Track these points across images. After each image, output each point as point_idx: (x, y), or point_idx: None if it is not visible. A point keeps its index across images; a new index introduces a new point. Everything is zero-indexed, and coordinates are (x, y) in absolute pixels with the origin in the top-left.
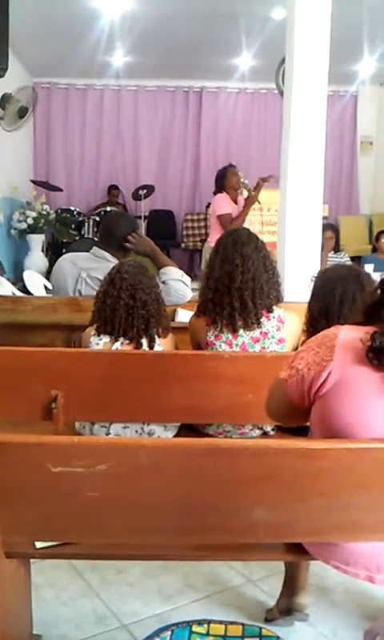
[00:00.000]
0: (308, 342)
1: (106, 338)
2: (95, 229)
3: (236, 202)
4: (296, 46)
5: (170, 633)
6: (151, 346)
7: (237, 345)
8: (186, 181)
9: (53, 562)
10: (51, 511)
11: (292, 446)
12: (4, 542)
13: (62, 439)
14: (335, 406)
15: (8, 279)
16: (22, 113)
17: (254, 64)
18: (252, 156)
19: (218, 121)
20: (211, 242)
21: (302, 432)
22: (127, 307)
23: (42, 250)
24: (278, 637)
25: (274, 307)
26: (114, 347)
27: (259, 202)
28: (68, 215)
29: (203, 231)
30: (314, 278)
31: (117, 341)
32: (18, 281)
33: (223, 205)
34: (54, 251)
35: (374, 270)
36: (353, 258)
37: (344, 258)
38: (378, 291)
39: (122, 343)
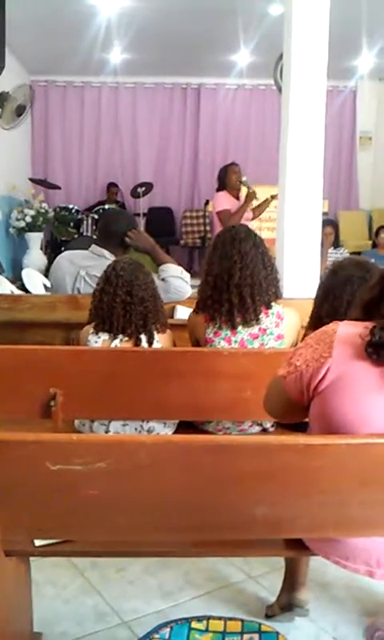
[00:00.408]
0: (306, 338)
1: (104, 336)
2: (94, 227)
3: (238, 199)
4: (294, 42)
5: (169, 629)
6: (150, 342)
7: (236, 341)
8: (184, 178)
9: (53, 560)
10: (50, 509)
11: (291, 442)
12: (3, 540)
13: (61, 437)
14: (334, 402)
15: (7, 278)
16: (20, 111)
17: (251, 60)
18: (251, 152)
19: (217, 117)
20: None
21: (301, 428)
22: (124, 304)
23: (41, 249)
24: (277, 632)
25: (273, 303)
26: (112, 344)
27: (258, 198)
28: (66, 213)
29: (202, 228)
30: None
31: (116, 338)
32: (17, 279)
33: (222, 202)
34: (52, 249)
35: None
36: (352, 254)
37: (344, 254)
38: (377, 287)
39: (120, 340)
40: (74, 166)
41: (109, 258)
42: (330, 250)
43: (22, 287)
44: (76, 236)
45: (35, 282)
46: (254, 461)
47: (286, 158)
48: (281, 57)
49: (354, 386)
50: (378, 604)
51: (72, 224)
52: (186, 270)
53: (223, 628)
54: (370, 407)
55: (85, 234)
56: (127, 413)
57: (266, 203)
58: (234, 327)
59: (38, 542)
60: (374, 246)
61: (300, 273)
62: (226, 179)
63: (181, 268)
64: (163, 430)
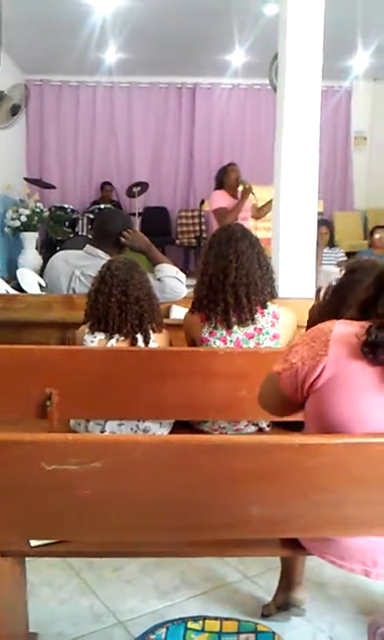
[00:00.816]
0: (303, 335)
1: (100, 336)
2: (89, 226)
3: (235, 198)
4: (289, 42)
5: (165, 630)
6: (146, 342)
7: (231, 341)
8: (180, 177)
9: (49, 561)
10: (45, 509)
11: (287, 442)
12: None
13: (56, 437)
14: (330, 401)
15: (2, 277)
16: (15, 110)
17: (247, 60)
18: (246, 152)
19: (212, 117)
20: None
21: (297, 427)
22: (120, 304)
23: (36, 248)
24: (273, 632)
25: (269, 303)
26: (109, 344)
27: (254, 194)
28: (62, 213)
29: (198, 227)
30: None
31: (112, 338)
32: (12, 279)
33: (218, 200)
34: (47, 249)
35: None
36: (348, 254)
37: (339, 254)
38: (373, 286)
39: (117, 340)
40: (69, 165)
41: (103, 257)
42: (325, 250)
43: (17, 287)
44: (71, 236)
45: (30, 281)
46: (250, 460)
47: (281, 158)
48: (276, 57)
49: (350, 385)
50: (375, 603)
51: (67, 224)
52: (182, 269)
53: (219, 628)
54: (366, 407)
55: (80, 233)
56: (123, 412)
57: (269, 204)
58: (229, 327)
59: (33, 543)
60: (370, 245)
61: (295, 273)
62: (225, 178)
63: (176, 268)
64: (159, 430)
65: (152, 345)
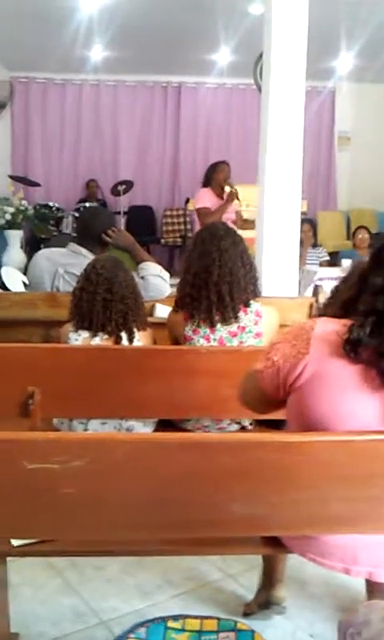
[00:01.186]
0: (284, 333)
1: (84, 334)
2: (74, 224)
3: (222, 198)
4: (274, 42)
5: (145, 629)
6: (131, 340)
7: (214, 339)
8: (165, 176)
9: (30, 560)
10: (27, 508)
11: (268, 440)
12: None
13: (37, 435)
14: (311, 399)
15: None
16: None
17: (232, 59)
18: (231, 151)
19: (197, 116)
20: None
21: (279, 426)
22: (104, 302)
23: (21, 246)
24: (252, 630)
25: (252, 302)
26: (93, 342)
27: (239, 199)
28: (46, 211)
29: (183, 227)
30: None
31: (96, 336)
32: None
33: (203, 198)
34: (32, 247)
35: None
36: (331, 254)
37: (322, 254)
38: (356, 285)
39: (101, 338)
40: (54, 163)
41: (87, 255)
42: (309, 250)
43: (2, 285)
44: (56, 234)
45: (14, 279)
46: (232, 458)
47: (266, 157)
48: (260, 56)
49: (331, 383)
50: (355, 601)
51: (52, 222)
52: (167, 269)
53: (199, 627)
54: (347, 404)
55: (64, 231)
56: (106, 411)
57: (252, 223)
58: (212, 325)
59: (15, 542)
60: (354, 246)
61: (279, 272)
62: (214, 175)
63: (160, 267)
64: (142, 429)
65: (136, 343)
